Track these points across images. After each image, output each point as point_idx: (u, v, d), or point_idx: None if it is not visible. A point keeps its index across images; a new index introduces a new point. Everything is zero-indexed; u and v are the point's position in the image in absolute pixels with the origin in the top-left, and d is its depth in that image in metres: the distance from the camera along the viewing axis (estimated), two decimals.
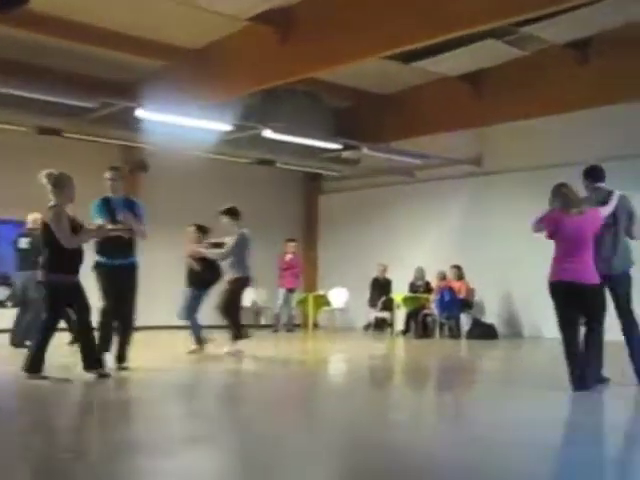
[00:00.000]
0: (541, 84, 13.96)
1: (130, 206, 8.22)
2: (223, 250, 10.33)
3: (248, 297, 17.79)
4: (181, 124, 13.38)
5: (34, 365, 7.11)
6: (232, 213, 10.53)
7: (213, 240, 10.23)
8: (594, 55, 13.40)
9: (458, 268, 15.65)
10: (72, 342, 10.33)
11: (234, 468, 4.09)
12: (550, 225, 6.91)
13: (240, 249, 10.39)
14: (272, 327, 16.81)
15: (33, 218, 11.16)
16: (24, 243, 11.31)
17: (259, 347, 13.09)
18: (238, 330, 10.40)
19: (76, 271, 7.28)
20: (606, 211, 7.05)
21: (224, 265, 10.59)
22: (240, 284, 10.46)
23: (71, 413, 6.06)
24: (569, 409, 6.24)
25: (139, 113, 12.65)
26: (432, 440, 4.85)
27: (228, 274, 10.48)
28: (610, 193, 7.28)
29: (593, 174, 7.51)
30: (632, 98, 13.26)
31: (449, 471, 3.96)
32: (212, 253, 10.39)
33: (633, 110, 13.65)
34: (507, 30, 12.32)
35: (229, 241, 10.37)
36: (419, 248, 17.13)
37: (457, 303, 15.26)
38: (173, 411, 6.05)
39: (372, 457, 4.26)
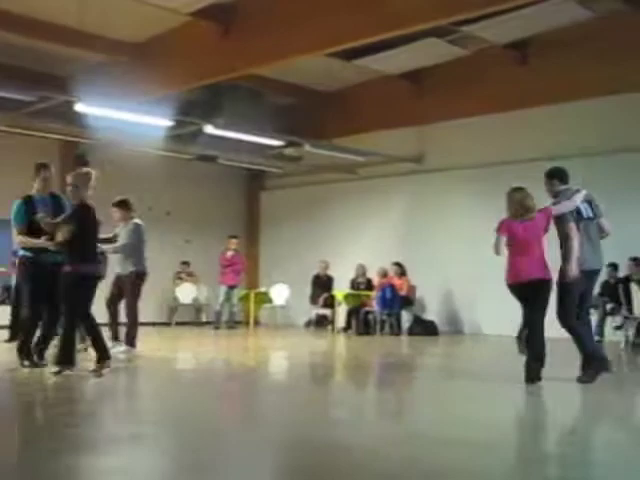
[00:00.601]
0: (481, 83, 14.16)
1: (55, 202, 8.05)
2: (118, 243, 9.56)
3: (189, 294, 17.71)
4: (121, 119, 13.19)
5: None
6: (125, 205, 9.97)
7: (102, 236, 9.25)
8: (533, 56, 13.64)
9: (399, 265, 15.76)
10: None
11: (171, 466, 4.04)
12: (504, 233, 7.17)
13: (136, 241, 9.82)
14: (213, 324, 16.71)
15: None
16: None
17: (199, 344, 13.02)
18: (135, 328, 9.79)
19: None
20: (565, 207, 7.21)
21: (116, 259, 9.93)
22: (138, 278, 9.85)
23: None
24: (511, 404, 6.32)
25: (78, 107, 12.45)
26: (371, 437, 4.86)
27: (122, 268, 9.85)
28: (576, 192, 7.42)
29: (559, 175, 7.53)
30: (569, 98, 13.53)
31: (388, 467, 3.98)
32: (107, 248, 9.49)
33: (573, 108, 13.88)
34: (448, 29, 12.45)
35: (122, 233, 9.74)
36: (361, 245, 17.21)
37: (398, 300, 15.36)
38: (114, 410, 5.97)
39: (311, 454, 4.27)
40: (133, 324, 9.77)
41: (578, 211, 7.29)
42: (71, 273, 7.26)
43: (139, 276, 9.86)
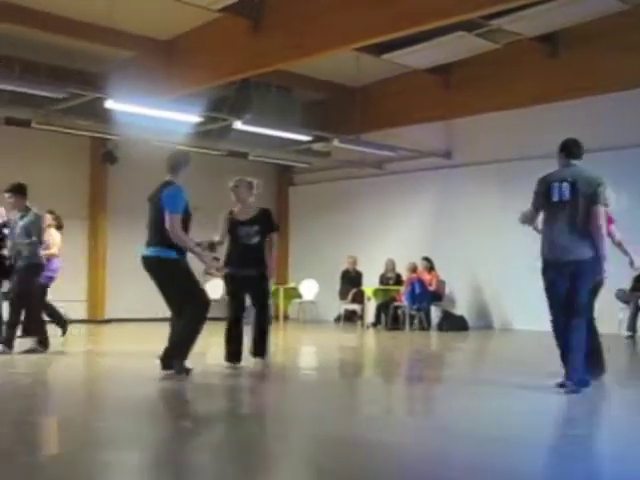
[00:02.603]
0: (511, 77, 14.07)
1: None
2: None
3: (218, 290, 17.77)
4: (151, 115, 13.26)
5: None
6: (22, 190, 9.24)
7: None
8: (563, 48, 13.52)
9: (428, 260, 15.71)
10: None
11: (208, 465, 4.07)
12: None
13: (37, 231, 9.20)
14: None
15: None
16: None
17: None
18: (35, 324, 9.43)
19: None
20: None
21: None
22: (38, 271, 9.37)
23: None
24: (547, 402, 6.29)
25: (109, 104, 12.53)
26: (402, 433, 4.86)
27: (19, 260, 9.14)
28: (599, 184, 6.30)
29: (567, 148, 6.51)
30: (600, 91, 13.40)
31: (417, 464, 3.98)
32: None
33: (606, 101, 13.73)
34: (478, 23, 12.38)
35: (20, 221, 9.12)
36: (389, 240, 17.17)
37: (427, 295, 15.32)
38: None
39: (341, 451, 4.27)
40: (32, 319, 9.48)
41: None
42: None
43: (39, 268, 9.39)
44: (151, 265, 6.94)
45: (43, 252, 10.40)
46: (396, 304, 15.75)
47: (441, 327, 15.13)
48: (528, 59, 13.88)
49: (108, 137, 15.40)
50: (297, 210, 19.81)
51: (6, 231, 9.41)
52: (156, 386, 6.69)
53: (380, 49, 13.46)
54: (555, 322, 6.37)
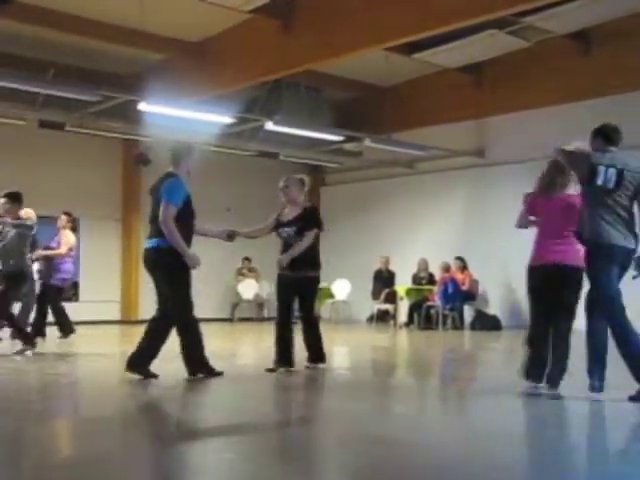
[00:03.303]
0: (543, 75, 13.97)
1: None
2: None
3: (251, 290, 17.84)
4: (183, 117, 13.34)
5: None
6: (18, 198, 9.36)
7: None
8: (596, 46, 13.41)
9: (461, 260, 15.64)
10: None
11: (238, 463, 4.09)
12: None
13: (22, 239, 9.27)
14: (275, 320, 16.79)
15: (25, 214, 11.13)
16: None
17: (262, 339, 13.12)
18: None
19: None
20: None
21: None
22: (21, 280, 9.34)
23: None
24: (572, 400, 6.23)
25: (141, 106, 12.62)
26: (437, 433, 4.85)
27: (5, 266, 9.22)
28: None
29: (603, 133, 6.10)
30: (632, 89, 13.25)
31: (455, 464, 3.96)
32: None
33: (633, 100, 13.59)
34: (509, 21, 12.31)
35: (9, 229, 9.20)
36: (422, 240, 17.11)
37: (460, 295, 15.26)
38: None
39: (372, 450, 4.26)
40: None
41: None
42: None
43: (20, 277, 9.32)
44: (150, 256, 6.72)
45: (49, 252, 10.72)
46: (429, 304, 15.70)
47: (474, 326, 15.06)
48: (560, 57, 13.78)
49: (141, 139, 15.52)
50: (329, 210, 19.74)
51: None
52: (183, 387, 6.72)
53: (410, 48, 13.43)
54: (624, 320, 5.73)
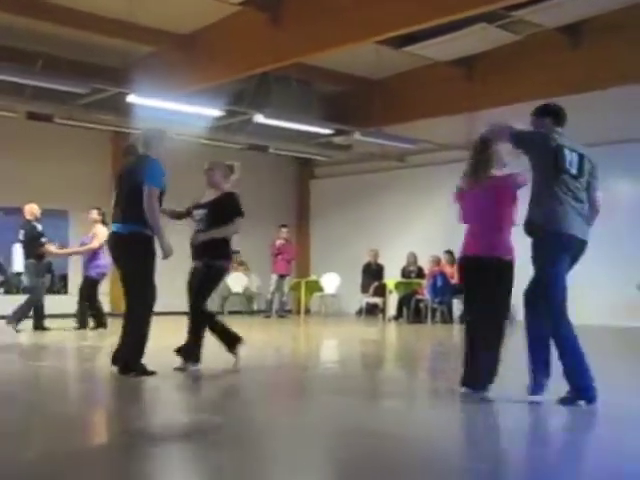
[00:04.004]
0: (533, 68, 13.96)
1: None
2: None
3: (240, 283, 17.82)
4: (172, 109, 13.31)
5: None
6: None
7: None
8: (586, 39, 13.41)
9: (451, 253, 15.64)
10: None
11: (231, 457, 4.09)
12: None
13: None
14: (264, 313, 16.82)
15: (29, 209, 11.43)
16: (21, 235, 11.51)
17: (251, 332, 13.11)
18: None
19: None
20: None
21: None
22: None
23: None
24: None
25: (130, 98, 12.58)
26: (423, 426, 4.86)
27: None
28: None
29: (553, 113, 5.75)
30: (623, 82, 13.27)
31: (440, 455, 3.97)
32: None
33: (630, 93, 13.62)
34: (499, 14, 12.30)
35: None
36: (411, 233, 17.13)
37: (450, 288, 15.27)
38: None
39: (360, 443, 4.27)
40: None
41: None
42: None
43: None
44: (123, 241, 6.50)
45: (82, 248, 10.99)
46: (418, 297, 15.72)
47: (463, 320, 15.07)
48: (550, 50, 13.77)
49: (130, 132, 15.45)
50: (318, 203, 19.81)
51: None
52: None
53: (401, 41, 13.40)
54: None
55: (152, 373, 6.46)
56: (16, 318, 11.11)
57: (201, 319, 7.00)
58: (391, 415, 5.23)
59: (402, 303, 15.97)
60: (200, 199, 7.27)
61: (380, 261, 17.08)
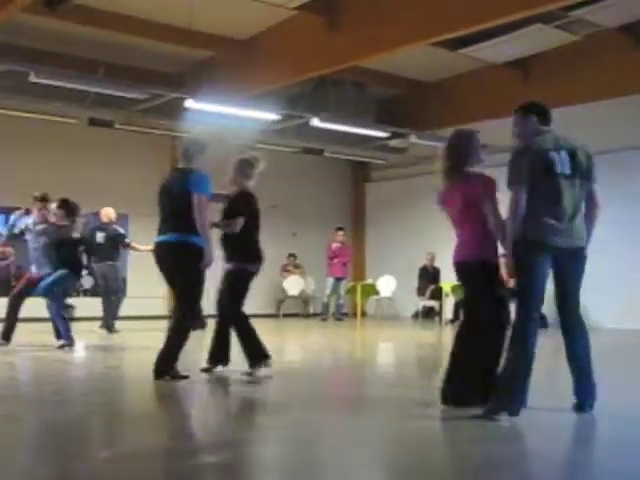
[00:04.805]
0: (592, 69, 13.78)
1: None
2: None
3: (296, 286, 17.91)
4: (229, 114, 13.46)
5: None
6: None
7: None
8: None
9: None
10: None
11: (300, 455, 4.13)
12: None
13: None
14: (320, 316, 16.88)
15: (105, 213, 11.72)
16: (100, 237, 11.75)
17: (308, 335, 13.17)
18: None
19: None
20: None
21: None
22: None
23: None
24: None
25: (188, 103, 12.76)
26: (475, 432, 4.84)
27: None
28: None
29: (537, 111, 5.55)
30: None
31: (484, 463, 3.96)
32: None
33: None
34: (556, 15, 12.17)
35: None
36: None
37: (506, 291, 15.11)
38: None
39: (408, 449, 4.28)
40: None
41: None
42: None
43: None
44: (172, 249, 6.54)
45: (144, 248, 11.15)
46: None
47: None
48: (609, 50, 13.56)
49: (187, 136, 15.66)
50: (374, 206, 19.79)
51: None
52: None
53: (456, 44, 13.34)
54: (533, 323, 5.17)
55: (185, 377, 6.47)
56: (110, 323, 11.66)
57: (240, 321, 6.94)
58: (446, 414, 5.22)
59: (459, 306, 15.86)
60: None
61: (436, 264, 17.01)
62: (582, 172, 5.11)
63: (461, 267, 5.51)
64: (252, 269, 7.02)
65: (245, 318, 6.93)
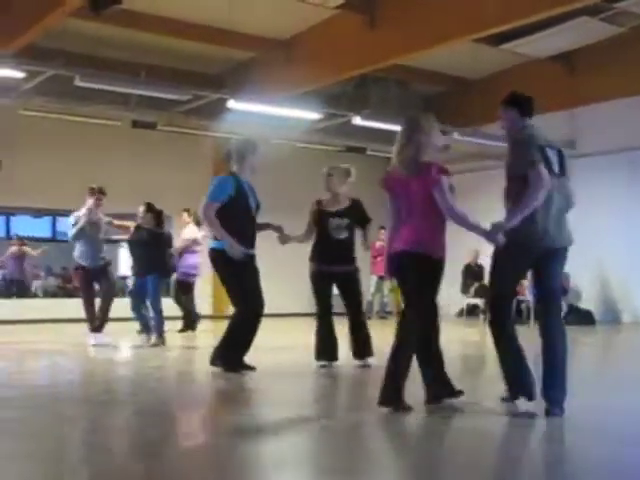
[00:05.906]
0: (638, 61, 13.54)
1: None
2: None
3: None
4: (271, 114, 13.49)
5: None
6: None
7: None
8: None
9: None
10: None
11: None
12: None
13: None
14: (365, 314, 16.83)
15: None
16: None
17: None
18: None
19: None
20: None
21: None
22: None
23: None
24: None
25: (230, 104, 12.81)
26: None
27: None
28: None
29: (519, 104, 5.44)
30: None
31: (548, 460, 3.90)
32: None
33: None
34: (601, 7, 11.98)
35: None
36: None
37: None
38: None
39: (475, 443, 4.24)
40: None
41: None
42: None
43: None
44: (210, 256, 6.87)
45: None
46: (519, 298, 15.44)
47: (566, 321, 14.74)
48: None
49: (230, 137, 15.73)
50: None
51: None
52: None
53: (498, 39, 13.21)
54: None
55: (252, 368, 6.79)
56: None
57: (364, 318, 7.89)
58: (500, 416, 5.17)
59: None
60: (324, 205, 7.70)
61: (481, 262, 16.87)
62: (565, 172, 5.17)
63: (404, 255, 5.38)
64: None
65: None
